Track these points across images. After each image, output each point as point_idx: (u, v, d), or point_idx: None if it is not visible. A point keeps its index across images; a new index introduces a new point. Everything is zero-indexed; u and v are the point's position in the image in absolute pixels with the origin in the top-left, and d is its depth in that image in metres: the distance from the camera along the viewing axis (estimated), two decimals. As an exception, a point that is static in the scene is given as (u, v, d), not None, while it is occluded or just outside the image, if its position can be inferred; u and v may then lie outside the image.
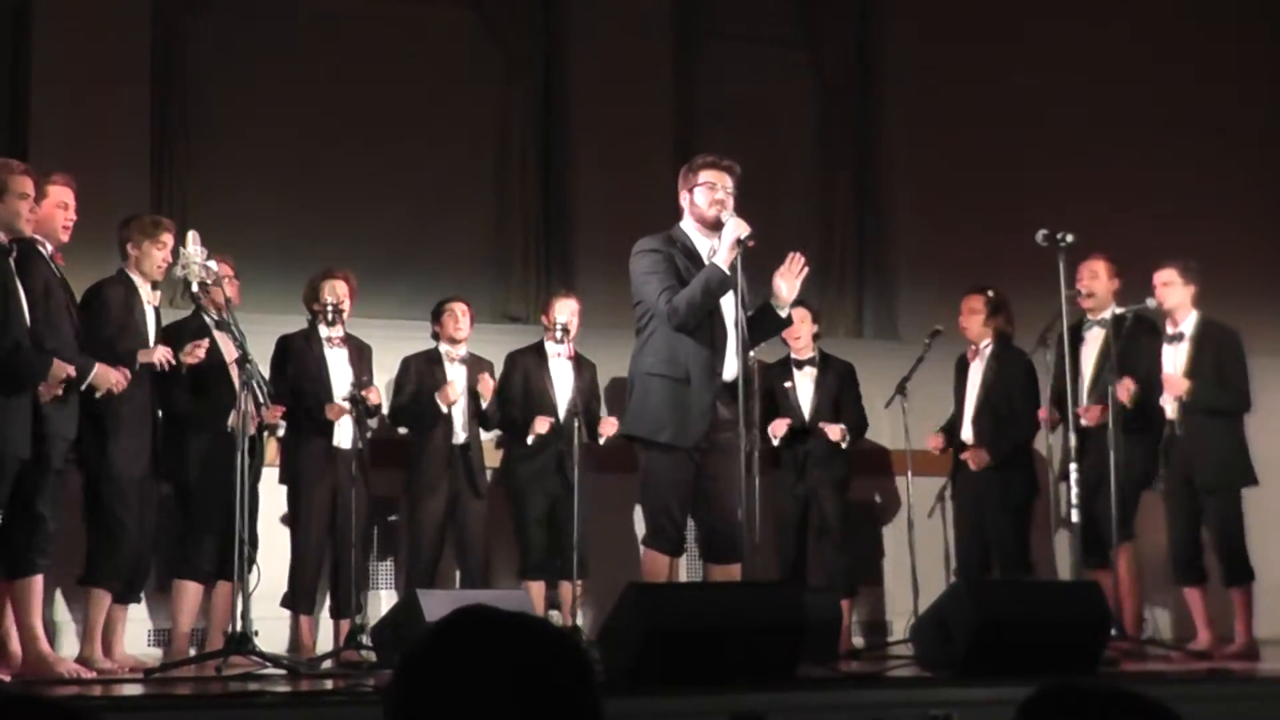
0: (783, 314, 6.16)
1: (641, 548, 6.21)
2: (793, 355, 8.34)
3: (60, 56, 8.24)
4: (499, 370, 8.16)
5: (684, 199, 6.19)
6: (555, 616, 7.82)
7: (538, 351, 8.17)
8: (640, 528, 6.28)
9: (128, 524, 6.64)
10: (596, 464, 8.02)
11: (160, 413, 6.94)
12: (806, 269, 6.14)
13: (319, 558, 7.61)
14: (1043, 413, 7.90)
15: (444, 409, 7.82)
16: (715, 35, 9.84)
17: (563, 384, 8.04)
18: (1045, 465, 8.43)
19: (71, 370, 6.01)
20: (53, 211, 6.31)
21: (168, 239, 6.83)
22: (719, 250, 5.97)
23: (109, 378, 6.27)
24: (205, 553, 7.12)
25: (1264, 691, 5.93)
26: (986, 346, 8.19)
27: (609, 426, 7.93)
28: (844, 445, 8.20)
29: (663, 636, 5.08)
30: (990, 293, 8.17)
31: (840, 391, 8.31)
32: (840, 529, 8.22)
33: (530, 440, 7.95)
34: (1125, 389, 7.60)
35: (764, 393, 7.87)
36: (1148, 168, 9.94)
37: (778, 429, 8.12)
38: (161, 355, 6.64)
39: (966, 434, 8.15)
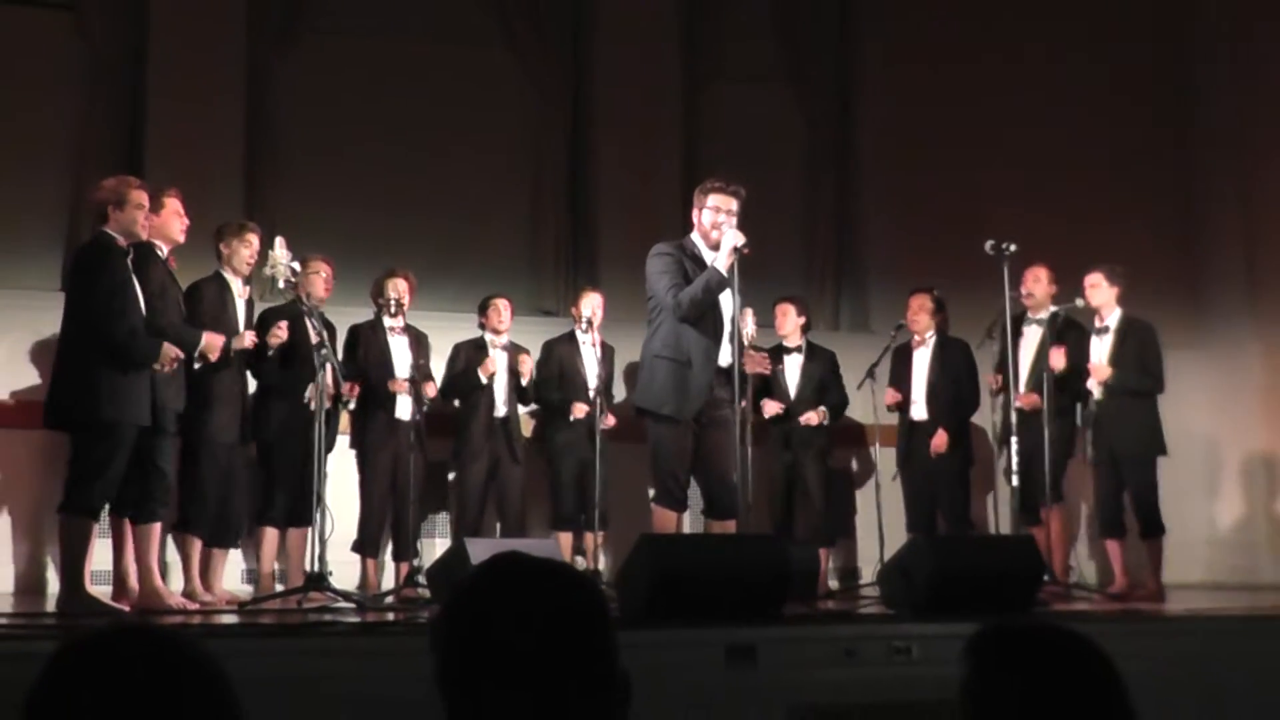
0: None
1: (652, 505, 6.23)
2: (783, 344, 8.35)
3: (170, 90, 8.27)
4: (535, 355, 8.17)
5: (694, 215, 6.22)
6: (580, 562, 7.83)
7: (570, 339, 8.18)
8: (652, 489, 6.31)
9: (215, 481, 6.68)
10: (618, 434, 8.04)
11: (252, 384, 7.00)
12: (767, 371, 6.39)
13: (383, 511, 7.63)
14: (991, 379, 7.87)
15: (483, 379, 7.81)
16: (718, 73, 9.83)
17: (592, 366, 8.04)
18: (983, 436, 8.43)
19: (180, 353, 6.04)
20: (171, 219, 6.35)
21: (253, 239, 6.86)
22: (719, 256, 6.00)
23: (215, 343, 6.38)
24: (282, 504, 7.16)
25: (1170, 628, 5.93)
26: (931, 337, 8.19)
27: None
28: (824, 423, 8.20)
29: (669, 580, 5.08)
30: (935, 292, 8.19)
31: (824, 375, 8.31)
32: (820, 492, 8.22)
33: (571, 419, 7.95)
34: (1059, 356, 7.61)
35: (757, 376, 7.89)
36: (1082, 186, 9.91)
37: (768, 408, 8.12)
38: (250, 341, 6.71)
39: (919, 411, 8.14)
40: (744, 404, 6.07)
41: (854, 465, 9.01)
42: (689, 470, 6.10)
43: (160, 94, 8.28)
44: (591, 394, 7.91)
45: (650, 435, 6.15)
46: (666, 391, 6.02)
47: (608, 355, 8.17)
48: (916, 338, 8.21)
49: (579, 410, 7.90)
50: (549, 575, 1.75)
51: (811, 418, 8.12)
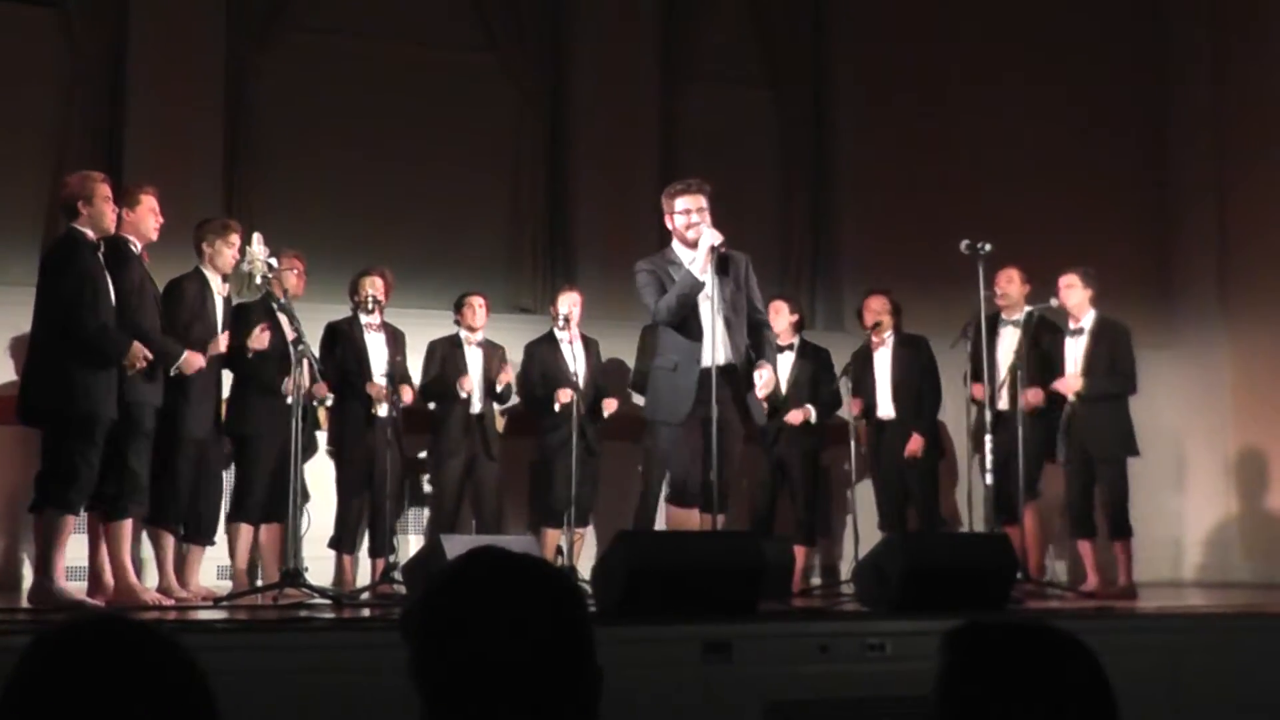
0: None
1: (666, 505, 6.26)
2: (777, 343, 8.30)
3: (150, 87, 8.23)
4: (511, 354, 8.13)
5: (668, 222, 6.21)
6: (557, 559, 7.80)
7: (549, 340, 8.14)
8: (634, 494, 6.34)
9: (188, 476, 6.61)
10: (610, 432, 8.03)
11: (230, 378, 6.95)
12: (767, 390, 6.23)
13: (360, 507, 7.59)
14: (974, 389, 7.86)
15: (462, 394, 7.78)
16: (694, 76, 9.81)
17: (572, 363, 7.99)
18: (946, 432, 8.44)
19: (149, 353, 6.00)
20: (146, 216, 6.31)
21: (235, 238, 6.81)
22: (696, 257, 6.01)
23: (194, 363, 6.32)
24: (256, 499, 7.10)
25: (1141, 625, 5.96)
26: (889, 337, 8.19)
27: (609, 406, 7.95)
28: (812, 422, 8.16)
29: (645, 576, 5.08)
30: (891, 293, 8.19)
31: (815, 373, 8.27)
32: (806, 490, 8.20)
33: (557, 409, 7.85)
34: (1034, 395, 7.62)
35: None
36: (1055, 190, 9.94)
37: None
38: (223, 346, 6.66)
39: (886, 410, 8.13)
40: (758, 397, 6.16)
41: (835, 463, 9.00)
42: (699, 468, 6.07)
43: (140, 91, 8.22)
44: (581, 390, 7.88)
45: (658, 441, 6.33)
46: (659, 398, 6.17)
47: (591, 350, 8.15)
48: (875, 339, 8.19)
49: (563, 396, 7.80)
50: (525, 570, 1.73)
51: (796, 416, 8.09)
